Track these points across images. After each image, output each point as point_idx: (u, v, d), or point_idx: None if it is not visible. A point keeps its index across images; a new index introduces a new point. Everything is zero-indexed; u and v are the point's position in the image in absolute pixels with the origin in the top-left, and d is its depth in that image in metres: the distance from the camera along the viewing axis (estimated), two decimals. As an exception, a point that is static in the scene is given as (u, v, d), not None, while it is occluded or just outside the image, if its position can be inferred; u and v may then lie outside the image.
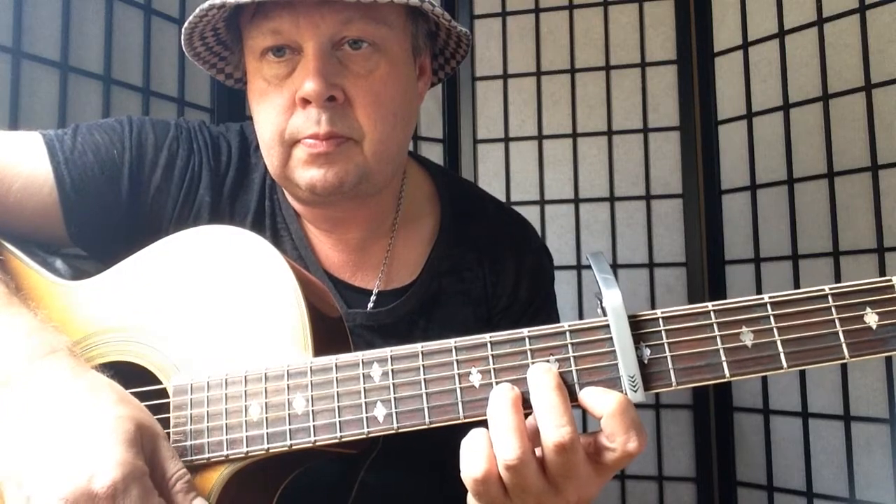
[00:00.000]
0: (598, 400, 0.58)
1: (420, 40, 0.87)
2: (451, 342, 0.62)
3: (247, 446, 0.63)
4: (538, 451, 0.58)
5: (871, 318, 0.57)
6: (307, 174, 0.79)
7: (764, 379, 1.97)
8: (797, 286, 1.90)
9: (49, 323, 0.68)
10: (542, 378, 0.58)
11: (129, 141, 0.86)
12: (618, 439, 0.57)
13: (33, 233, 0.82)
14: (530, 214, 2.12)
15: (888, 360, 1.73)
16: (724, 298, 1.88)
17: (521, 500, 0.59)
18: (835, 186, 1.84)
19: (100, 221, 0.84)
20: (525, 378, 0.59)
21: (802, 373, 1.89)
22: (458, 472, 0.90)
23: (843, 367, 1.80)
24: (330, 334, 0.70)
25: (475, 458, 0.58)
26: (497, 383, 0.60)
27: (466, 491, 0.89)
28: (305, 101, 0.77)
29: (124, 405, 0.61)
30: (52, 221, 0.82)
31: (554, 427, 0.56)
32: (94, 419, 0.58)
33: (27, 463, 0.57)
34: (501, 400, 0.58)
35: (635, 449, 0.57)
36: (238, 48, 0.86)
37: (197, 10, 0.77)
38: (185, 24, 0.80)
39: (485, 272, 0.94)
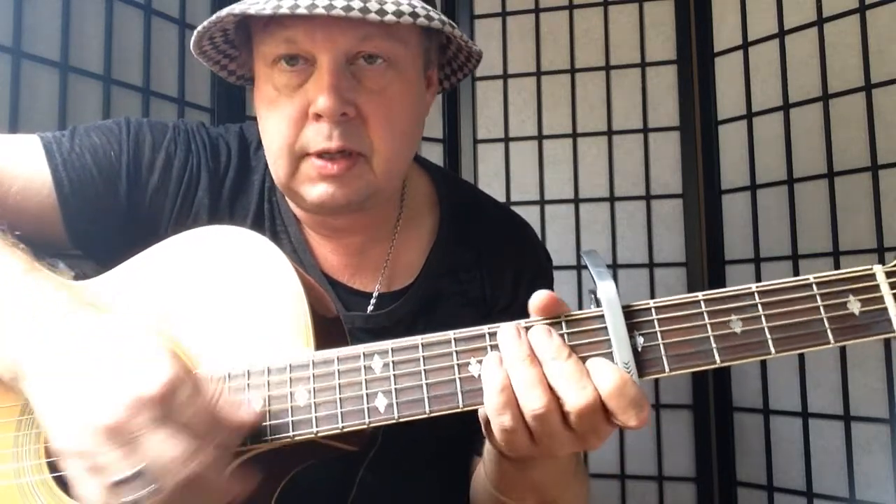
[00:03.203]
0: (597, 376, 0.59)
1: (432, 54, 0.87)
2: (450, 334, 0.63)
3: (249, 439, 0.63)
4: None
5: (854, 306, 0.60)
6: (315, 191, 0.79)
7: (764, 379, 1.97)
8: (797, 286, 1.90)
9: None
10: (550, 349, 0.60)
11: (126, 143, 0.86)
12: (619, 418, 0.59)
13: (33, 235, 0.82)
14: (530, 214, 2.12)
15: (888, 359, 1.73)
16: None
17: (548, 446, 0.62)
18: (835, 186, 1.84)
19: (99, 223, 0.84)
20: None
21: (802, 372, 1.89)
22: (457, 471, 0.91)
23: (843, 366, 1.81)
24: (330, 333, 0.70)
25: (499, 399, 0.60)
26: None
27: (465, 489, 0.89)
28: (318, 116, 0.76)
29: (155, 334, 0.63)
30: (51, 223, 0.82)
31: (576, 392, 0.59)
32: (130, 341, 0.61)
33: (73, 396, 0.58)
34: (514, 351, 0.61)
35: (636, 426, 0.59)
36: (247, 48, 0.85)
37: (213, 17, 0.77)
38: (199, 28, 0.79)
39: (482, 273, 0.94)
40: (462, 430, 0.84)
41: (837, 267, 1.81)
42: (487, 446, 0.74)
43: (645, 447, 2.10)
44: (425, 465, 0.90)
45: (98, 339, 0.61)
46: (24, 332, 0.63)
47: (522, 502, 0.76)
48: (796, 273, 1.91)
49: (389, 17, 0.71)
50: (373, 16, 0.71)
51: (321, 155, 0.77)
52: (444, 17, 0.77)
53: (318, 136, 0.77)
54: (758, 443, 1.99)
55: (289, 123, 0.78)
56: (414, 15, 0.73)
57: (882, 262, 1.86)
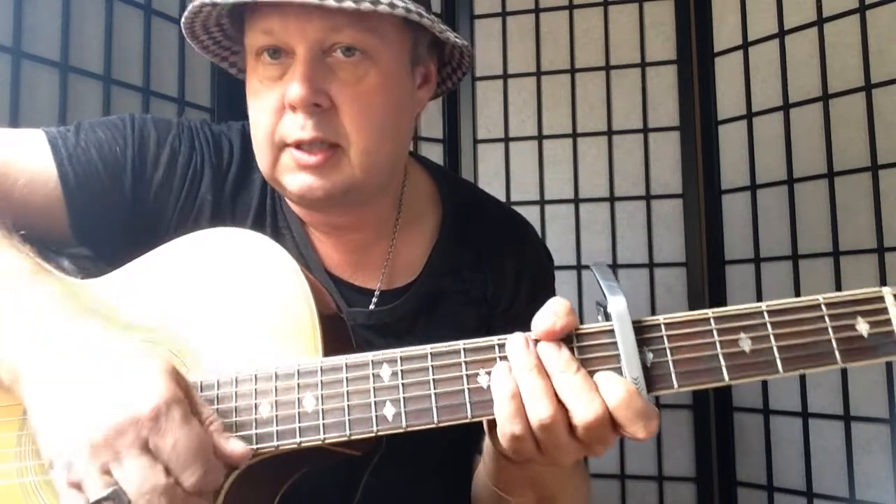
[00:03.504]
0: (605, 389, 0.60)
1: (420, 49, 0.86)
2: (459, 344, 0.63)
3: (256, 443, 0.63)
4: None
5: (863, 327, 0.60)
6: (295, 181, 0.79)
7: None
8: (797, 286, 1.91)
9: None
10: (558, 362, 0.60)
11: (131, 138, 0.86)
12: (627, 430, 0.60)
13: (39, 229, 0.81)
14: (530, 214, 2.12)
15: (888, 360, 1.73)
16: (724, 298, 1.87)
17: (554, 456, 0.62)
18: (835, 186, 1.84)
19: (103, 218, 0.84)
20: None
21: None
22: (461, 474, 0.91)
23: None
24: (336, 333, 0.70)
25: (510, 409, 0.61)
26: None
27: (466, 491, 0.89)
28: (292, 106, 0.77)
29: (156, 352, 0.63)
30: (56, 218, 0.82)
31: (584, 405, 0.59)
32: (130, 359, 0.60)
33: (64, 407, 0.58)
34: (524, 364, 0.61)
35: (644, 438, 0.60)
36: (242, 42, 0.86)
37: (190, 7, 0.77)
38: (182, 21, 0.80)
39: (484, 272, 0.94)
40: (467, 435, 0.85)
41: (837, 267, 1.81)
42: (487, 443, 0.74)
43: (645, 447, 2.10)
44: (430, 469, 0.90)
45: (96, 350, 0.61)
46: (23, 336, 0.63)
47: (522, 498, 0.76)
48: (796, 273, 1.91)
49: (348, 4, 0.71)
50: (330, 2, 0.71)
51: (299, 146, 0.78)
52: (410, 6, 0.76)
53: (294, 126, 0.77)
54: (758, 443, 1.99)
55: (269, 114, 0.79)
56: (375, 2, 0.72)
57: (882, 262, 1.85)
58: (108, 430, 0.55)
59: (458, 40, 0.85)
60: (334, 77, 0.78)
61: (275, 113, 0.79)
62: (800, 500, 1.89)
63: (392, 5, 0.73)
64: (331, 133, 0.78)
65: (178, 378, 0.60)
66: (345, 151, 0.79)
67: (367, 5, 0.72)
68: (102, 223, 0.84)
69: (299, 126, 0.77)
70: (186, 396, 0.60)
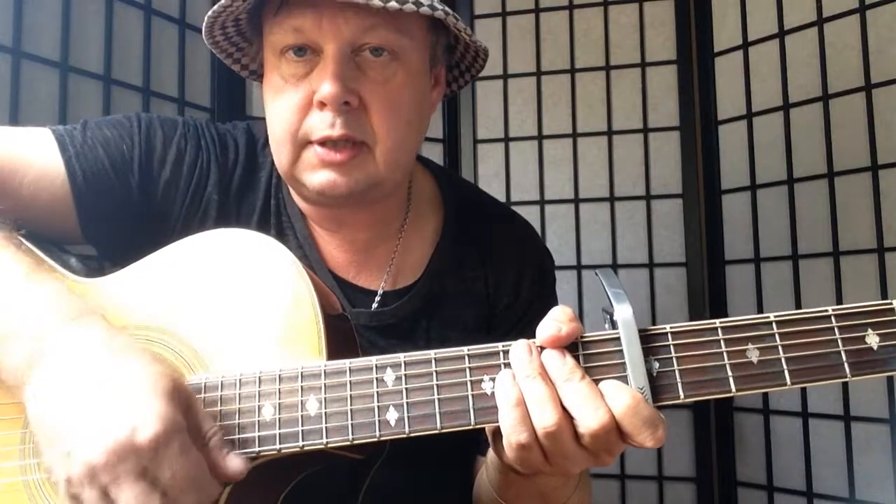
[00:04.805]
0: (610, 397, 0.59)
1: (438, 51, 0.88)
2: (463, 350, 0.63)
3: (258, 446, 0.63)
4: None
5: (873, 339, 0.59)
6: (317, 178, 0.80)
7: (764, 379, 1.97)
8: (797, 286, 1.90)
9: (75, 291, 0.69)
10: (563, 370, 0.60)
11: (137, 136, 0.87)
12: (634, 439, 0.59)
13: (46, 227, 0.81)
14: (530, 214, 2.12)
15: (888, 360, 1.73)
16: (724, 298, 1.86)
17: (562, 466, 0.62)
18: (835, 186, 1.84)
19: (111, 216, 0.84)
20: None
21: (802, 373, 1.89)
22: (465, 468, 0.91)
23: (843, 367, 1.80)
24: (339, 333, 0.71)
25: (516, 420, 0.61)
26: None
27: (468, 491, 0.89)
28: (322, 104, 0.77)
29: (159, 363, 0.62)
30: (64, 215, 0.82)
31: (590, 413, 0.59)
32: (131, 375, 0.59)
33: (65, 419, 0.57)
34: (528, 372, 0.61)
35: (652, 447, 0.59)
36: (258, 41, 0.86)
37: (221, 1, 0.78)
38: (209, 13, 0.80)
39: (486, 273, 0.95)
40: (470, 435, 0.85)
41: (837, 267, 1.81)
42: (492, 456, 0.74)
43: (645, 447, 2.10)
44: (433, 469, 0.90)
45: (101, 359, 0.60)
46: (26, 340, 0.62)
47: None
48: (796, 273, 1.91)
49: (392, 4, 0.73)
50: (376, 2, 0.72)
51: (324, 143, 0.79)
52: (447, 9, 0.78)
53: (322, 123, 0.78)
54: (758, 443, 1.99)
55: (293, 111, 0.80)
56: (417, 3, 0.74)
57: (882, 262, 1.85)
58: (107, 454, 0.55)
59: (481, 44, 0.86)
60: (364, 77, 0.79)
61: (299, 110, 0.79)
62: (800, 500, 1.89)
63: (432, 7, 0.75)
64: (358, 132, 0.79)
65: (180, 397, 0.60)
66: (370, 150, 0.80)
67: (409, 6, 0.74)
68: (110, 221, 0.85)
69: (328, 124, 0.78)
70: (188, 413, 0.60)
